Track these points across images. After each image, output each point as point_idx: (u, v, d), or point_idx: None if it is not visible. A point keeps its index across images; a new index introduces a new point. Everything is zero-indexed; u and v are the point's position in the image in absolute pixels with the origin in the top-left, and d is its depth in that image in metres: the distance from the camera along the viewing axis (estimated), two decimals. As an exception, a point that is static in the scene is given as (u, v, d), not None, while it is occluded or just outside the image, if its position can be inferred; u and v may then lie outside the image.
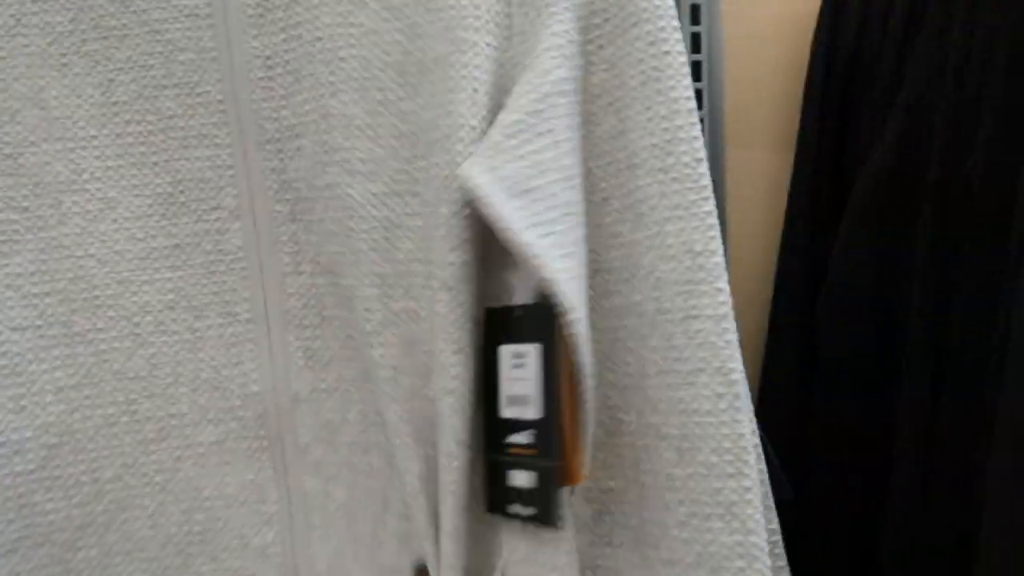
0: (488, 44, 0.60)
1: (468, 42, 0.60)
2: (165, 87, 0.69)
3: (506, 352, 0.59)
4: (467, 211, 0.59)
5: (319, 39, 0.66)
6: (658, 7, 0.60)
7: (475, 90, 0.59)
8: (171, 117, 0.69)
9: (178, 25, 0.69)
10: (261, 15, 0.68)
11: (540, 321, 0.58)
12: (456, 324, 0.60)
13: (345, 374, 0.68)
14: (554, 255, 0.55)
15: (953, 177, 0.83)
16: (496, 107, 0.60)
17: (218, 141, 0.70)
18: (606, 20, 0.62)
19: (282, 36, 0.67)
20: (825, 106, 1.06)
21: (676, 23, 0.61)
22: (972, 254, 0.81)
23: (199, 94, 0.69)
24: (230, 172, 0.70)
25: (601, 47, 0.62)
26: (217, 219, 0.71)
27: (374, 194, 0.65)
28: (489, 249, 0.61)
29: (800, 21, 1.15)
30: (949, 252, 0.84)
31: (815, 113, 1.06)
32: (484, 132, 0.59)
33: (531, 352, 0.57)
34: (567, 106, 0.59)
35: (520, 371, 0.58)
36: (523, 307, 0.59)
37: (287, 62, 0.67)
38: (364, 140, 0.65)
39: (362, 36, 0.65)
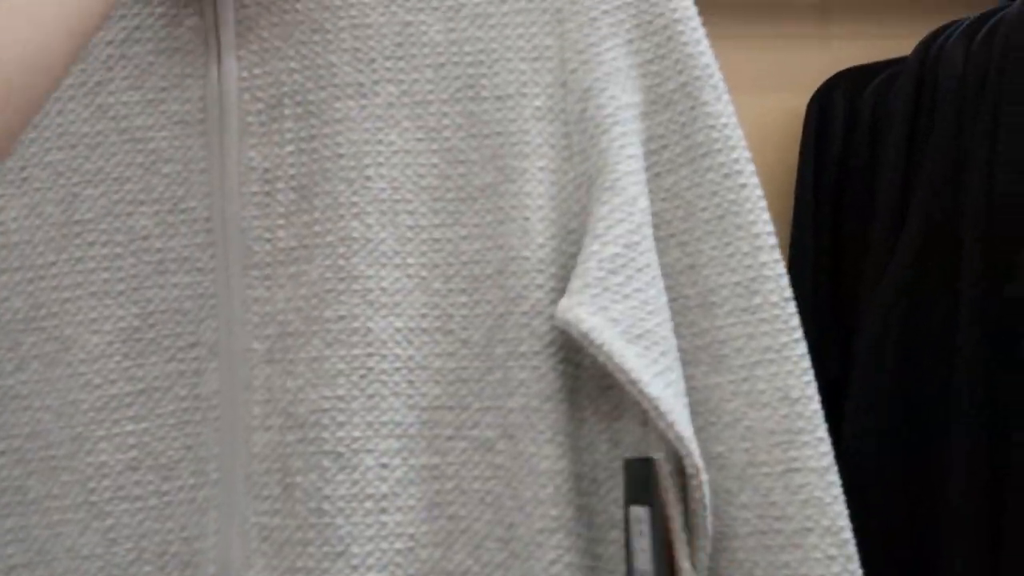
0: (541, 168, 0.56)
1: (518, 170, 0.56)
2: (142, 203, 0.60)
3: (634, 515, 0.53)
4: (540, 352, 0.54)
5: (340, 156, 0.58)
6: (730, 138, 0.57)
7: (526, 219, 0.55)
8: (146, 237, 0.60)
9: (164, 133, 0.60)
10: (264, 124, 0.59)
11: (643, 479, 0.53)
12: (541, 481, 0.54)
13: (298, 564, 0.56)
14: (679, 407, 0.52)
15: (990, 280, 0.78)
16: (560, 235, 0.56)
17: (200, 265, 0.60)
18: (664, 147, 0.58)
19: (289, 148, 0.58)
20: (819, 210, 1.05)
21: (749, 154, 0.57)
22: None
23: (182, 211, 0.60)
24: (212, 302, 0.60)
25: (658, 175, 0.58)
26: (195, 358, 0.60)
27: (398, 329, 0.57)
28: (574, 393, 0.55)
29: (787, 125, 1.14)
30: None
31: (808, 217, 1.05)
32: (542, 263, 0.55)
33: (644, 517, 0.52)
34: (651, 238, 0.55)
35: (641, 540, 0.53)
36: (639, 461, 0.54)
37: (292, 177, 0.59)
38: (390, 269, 0.58)
39: (392, 155, 0.58)
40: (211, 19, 0.59)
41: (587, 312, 0.51)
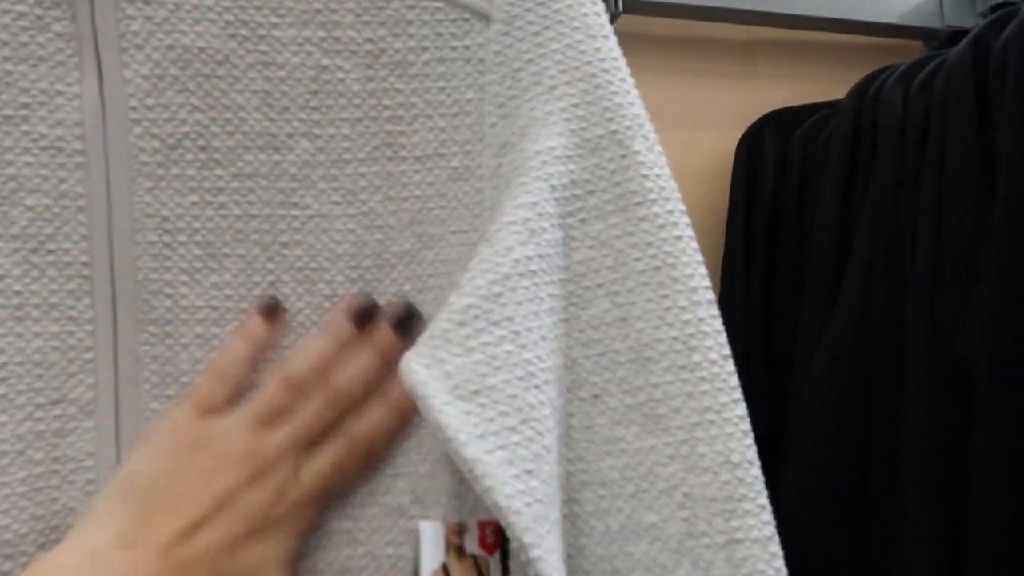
0: (454, 232, 0.54)
1: (434, 236, 0.54)
2: None
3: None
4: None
5: (253, 216, 0.53)
6: (663, 188, 0.53)
7: (441, 288, 0.53)
8: (2, 277, 0.51)
9: (27, 159, 0.51)
10: (162, 166, 0.51)
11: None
12: None
13: None
14: (508, 473, 0.46)
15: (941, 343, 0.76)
16: None
17: (73, 314, 0.52)
18: (590, 192, 0.53)
19: (192, 199, 0.52)
20: (749, 253, 1.02)
21: (683, 207, 0.54)
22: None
23: (50, 251, 0.51)
24: (87, 355, 0.52)
25: (584, 221, 0.53)
26: (58, 416, 0.52)
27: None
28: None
29: (713, 163, 1.12)
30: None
31: (739, 258, 1.02)
32: None
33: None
34: (532, 289, 0.50)
35: None
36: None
37: (196, 231, 0.52)
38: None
39: (308, 220, 0.53)
40: (87, 26, 0.51)
41: (421, 364, 0.47)
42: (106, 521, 0.47)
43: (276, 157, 0.52)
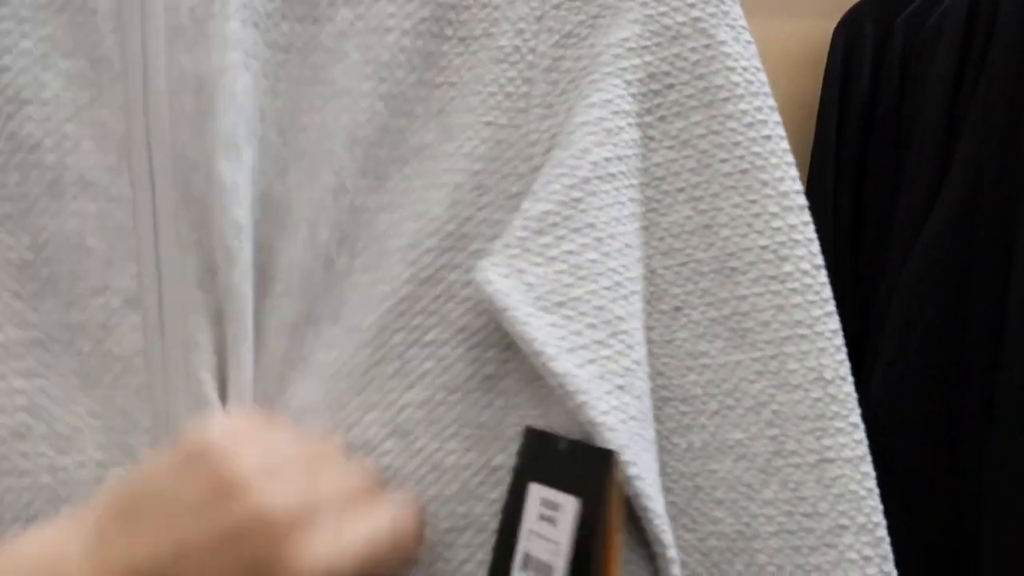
0: (488, 124, 0.47)
1: (459, 126, 0.47)
2: (27, 102, 0.47)
3: (536, 494, 0.45)
4: (450, 340, 0.46)
5: (276, 95, 0.48)
6: (751, 83, 0.48)
7: (457, 185, 0.46)
8: (34, 148, 0.47)
9: (62, 20, 0.47)
10: (195, 23, 0.46)
11: (587, 470, 0.44)
12: (445, 478, 0.46)
13: None
14: (600, 389, 0.43)
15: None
16: (496, 202, 0.47)
17: (113, 193, 0.47)
18: (670, 87, 0.48)
19: (234, 56, 0.46)
20: (841, 148, 0.95)
21: (774, 103, 0.48)
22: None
23: (86, 121, 0.47)
24: (128, 240, 0.47)
25: (663, 119, 0.49)
26: (102, 307, 0.47)
27: (287, 315, 0.47)
28: (498, 378, 0.47)
29: (813, 49, 1.04)
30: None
31: (829, 152, 0.95)
32: (466, 238, 0.46)
33: (566, 506, 0.44)
34: (613, 193, 0.46)
35: (549, 527, 0.45)
36: (571, 443, 0.45)
37: (233, 96, 0.46)
38: (297, 241, 0.47)
39: (332, 98, 0.47)
40: None
41: (498, 273, 0.43)
42: (84, 528, 0.41)
43: (313, 29, 0.48)
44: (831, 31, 1.03)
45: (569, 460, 0.45)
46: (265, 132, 0.47)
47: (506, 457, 0.47)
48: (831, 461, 0.46)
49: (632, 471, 0.43)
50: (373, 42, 0.48)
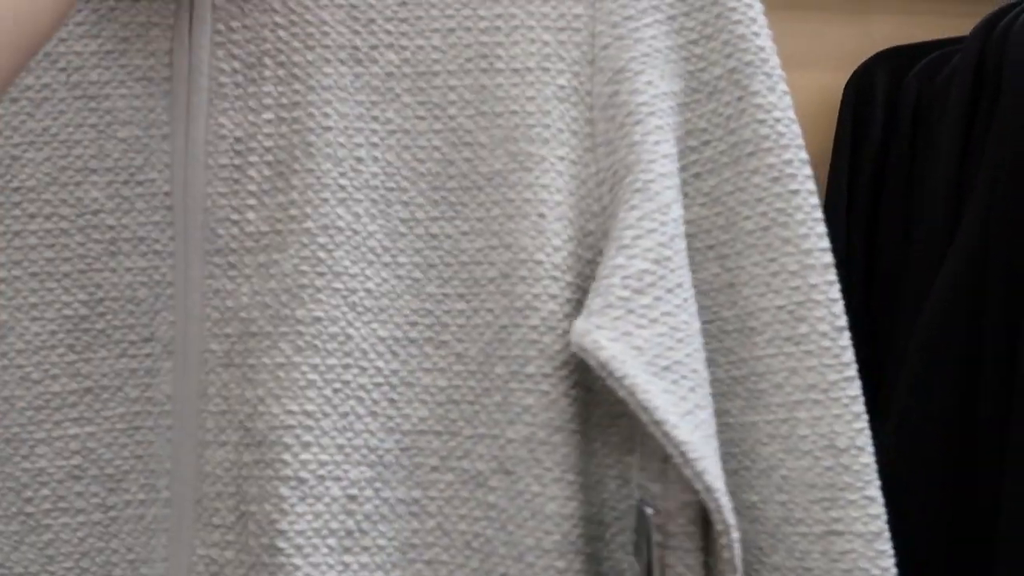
0: (561, 158, 0.47)
1: (534, 157, 0.47)
2: (93, 171, 0.50)
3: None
4: (551, 375, 0.46)
5: (328, 129, 0.48)
6: (782, 135, 0.47)
7: (541, 215, 0.46)
8: (96, 212, 0.50)
9: (122, 91, 0.50)
10: (240, 86, 0.49)
11: (639, 535, 0.45)
12: (546, 526, 0.45)
13: None
14: (710, 454, 0.43)
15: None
16: (577, 237, 0.47)
17: (158, 248, 0.51)
18: (706, 143, 0.49)
19: (267, 116, 0.49)
20: (852, 201, 0.95)
21: (805, 155, 0.48)
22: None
23: (140, 182, 0.50)
24: (169, 291, 0.50)
25: (698, 176, 0.49)
26: (148, 355, 0.51)
27: (382, 338, 0.49)
28: (585, 423, 0.47)
29: (824, 103, 1.04)
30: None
31: (841, 205, 0.95)
32: (557, 269, 0.46)
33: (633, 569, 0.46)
34: (685, 252, 0.47)
35: None
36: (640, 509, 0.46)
37: (268, 150, 0.49)
38: (378, 267, 0.49)
39: (389, 135, 0.49)
40: None
41: (608, 338, 0.43)
42: None
43: (358, 69, 0.49)
44: (843, 84, 1.03)
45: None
46: (317, 165, 0.48)
47: (591, 509, 0.47)
48: (839, 534, 0.45)
49: (735, 535, 0.43)
50: (422, 85, 0.49)
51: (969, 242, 0.76)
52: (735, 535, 0.43)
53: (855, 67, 1.03)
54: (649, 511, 0.44)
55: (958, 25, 1.05)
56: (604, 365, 0.42)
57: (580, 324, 0.43)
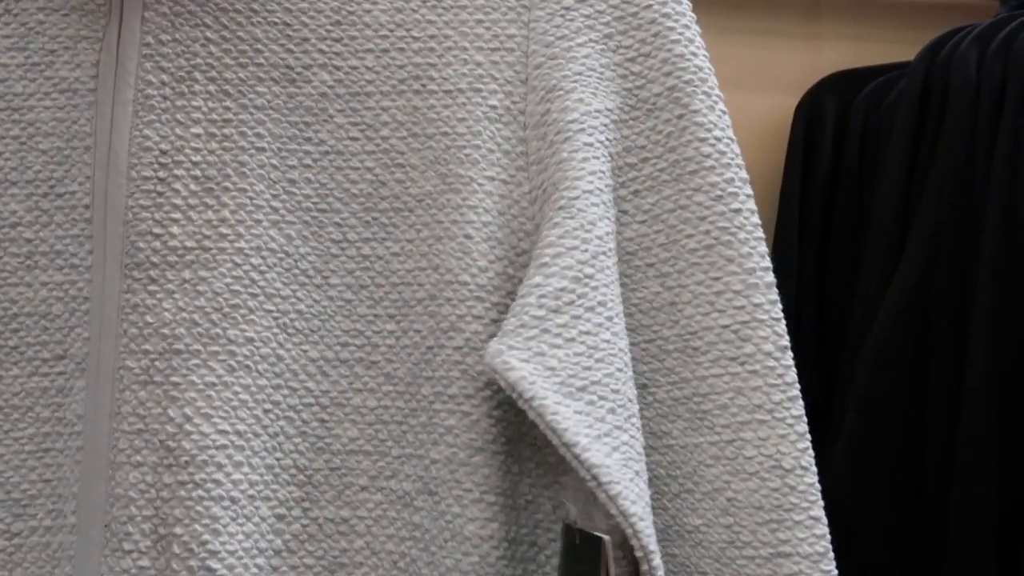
0: (491, 179, 0.47)
1: (463, 178, 0.47)
2: (13, 183, 0.48)
3: None
4: (473, 396, 0.45)
5: (261, 150, 0.47)
6: (724, 153, 0.47)
7: (468, 236, 0.46)
8: (15, 225, 0.48)
9: (46, 103, 0.48)
10: (167, 99, 0.47)
11: (590, 559, 0.43)
12: (464, 547, 0.44)
13: None
14: (626, 477, 0.42)
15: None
16: (507, 257, 0.47)
17: (76, 262, 0.48)
18: (645, 160, 0.48)
19: (196, 130, 0.47)
20: (804, 222, 0.95)
21: (746, 174, 0.47)
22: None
23: (59, 195, 0.48)
24: (84, 307, 0.48)
25: (637, 193, 0.48)
26: (61, 373, 0.48)
27: (313, 359, 0.47)
28: (514, 442, 0.46)
29: (776, 125, 1.04)
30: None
31: (792, 226, 0.95)
32: (483, 290, 0.46)
33: None
34: (612, 270, 0.46)
35: None
36: (571, 529, 0.44)
37: (196, 164, 0.47)
38: (310, 288, 0.47)
39: (322, 156, 0.48)
40: None
41: (519, 358, 0.42)
42: None
43: (291, 89, 0.48)
44: (794, 106, 1.03)
45: (585, 554, 0.43)
46: (250, 185, 0.47)
47: (520, 528, 0.46)
48: (787, 555, 0.44)
49: (655, 561, 0.42)
50: (356, 105, 0.48)
51: (915, 263, 0.76)
52: (656, 561, 0.42)
53: (806, 88, 1.03)
54: (607, 539, 0.43)
55: (905, 50, 1.06)
56: (513, 386, 0.42)
57: (493, 345, 0.43)
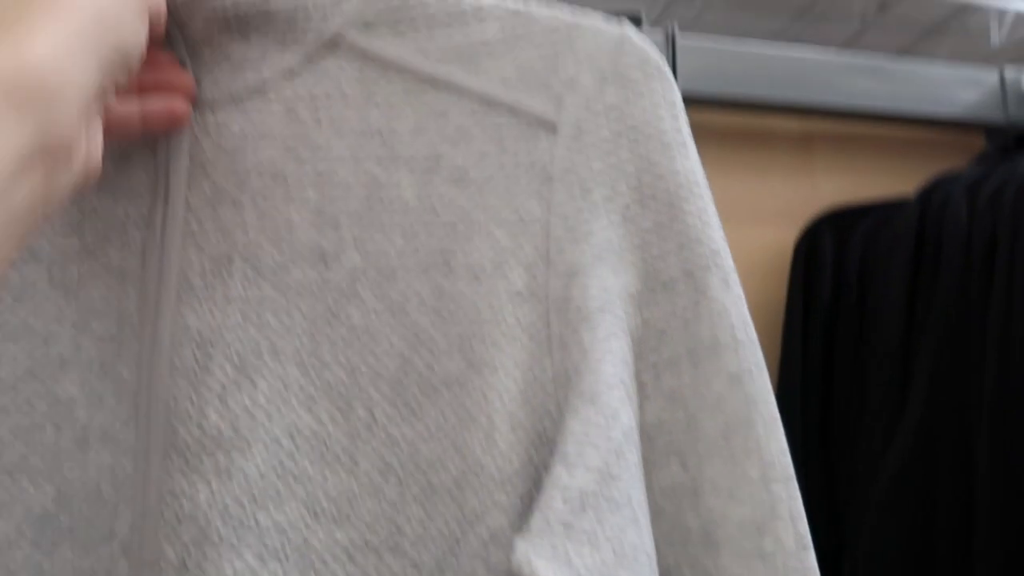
0: (515, 362, 0.46)
1: (487, 363, 0.46)
2: (69, 365, 0.48)
3: None
4: None
5: (293, 331, 0.47)
6: (739, 337, 0.47)
7: (492, 422, 0.45)
8: (71, 406, 0.48)
9: (99, 285, 0.49)
10: (208, 282, 0.48)
11: None
12: None
13: None
14: None
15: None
16: (533, 442, 0.46)
17: (122, 443, 0.48)
18: (663, 342, 0.47)
19: (233, 313, 0.47)
20: (806, 357, 0.96)
21: (762, 359, 0.47)
22: None
23: (111, 377, 0.48)
24: (130, 489, 0.48)
25: (658, 375, 0.47)
26: (108, 555, 0.48)
27: (342, 545, 0.47)
28: None
29: (775, 256, 1.07)
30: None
31: (796, 363, 0.95)
32: (507, 479, 0.45)
33: None
34: (637, 464, 0.45)
35: None
36: None
37: (232, 348, 0.47)
38: (338, 471, 0.47)
39: (352, 337, 0.47)
40: (163, 157, 0.49)
41: (545, 562, 0.41)
42: None
43: (324, 270, 0.48)
44: (791, 237, 1.05)
45: None
46: (283, 367, 0.47)
47: None
48: None
49: None
50: (384, 285, 0.47)
51: (919, 408, 0.77)
52: None
53: (803, 220, 1.05)
54: None
55: (895, 181, 1.09)
56: None
57: (519, 544, 0.42)
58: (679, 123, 0.49)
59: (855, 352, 0.93)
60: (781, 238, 1.07)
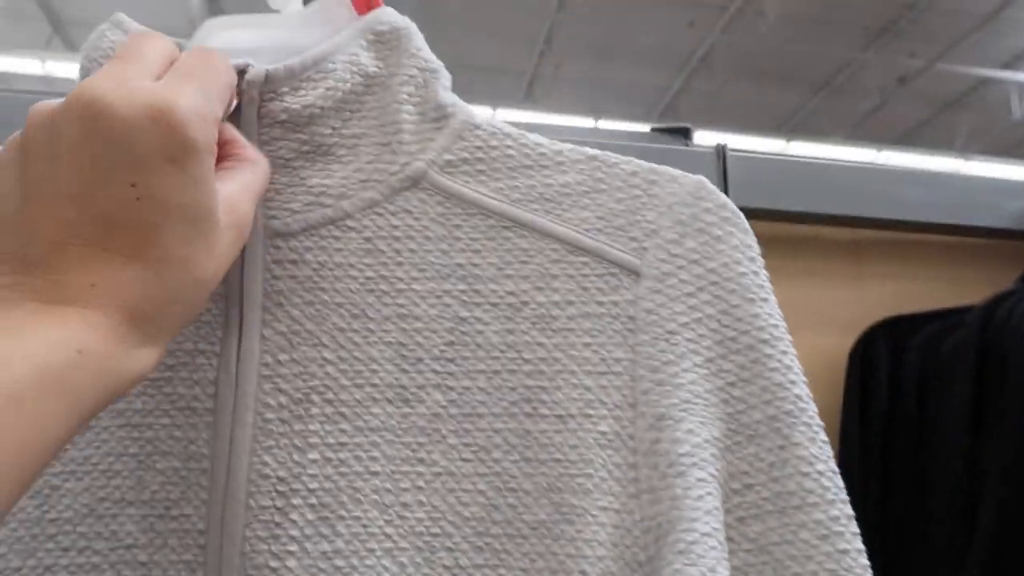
0: (604, 509, 0.45)
1: (577, 509, 0.45)
2: (130, 503, 0.47)
3: None
4: None
5: (375, 474, 0.46)
6: (827, 489, 0.45)
7: (583, 572, 0.44)
8: (129, 546, 0.46)
9: (164, 420, 0.47)
10: (286, 422, 0.46)
11: None
12: None
13: None
14: None
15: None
16: None
17: None
18: (748, 487, 0.46)
19: (313, 456, 0.46)
20: (865, 467, 0.94)
21: (851, 511, 0.46)
22: None
23: (174, 517, 0.47)
24: None
25: (742, 520, 0.46)
26: None
27: None
28: None
29: (829, 364, 1.06)
30: None
31: (855, 470, 0.94)
32: None
33: None
34: None
35: None
36: None
37: (312, 492, 0.46)
38: None
39: (434, 478, 0.46)
40: (235, 288, 0.48)
41: None
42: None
43: (405, 410, 0.47)
44: (843, 345, 1.05)
45: None
46: (364, 512, 0.46)
47: None
48: None
49: None
50: (468, 427, 0.47)
51: (989, 527, 0.75)
52: None
53: (854, 328, 1.05)
54: None
55: (943, 288, 1.09)
56: None
57: None
58: (757, 268, 0.49)
59: (914, 460, 0.91)
60: (833, 346, 1.06)
